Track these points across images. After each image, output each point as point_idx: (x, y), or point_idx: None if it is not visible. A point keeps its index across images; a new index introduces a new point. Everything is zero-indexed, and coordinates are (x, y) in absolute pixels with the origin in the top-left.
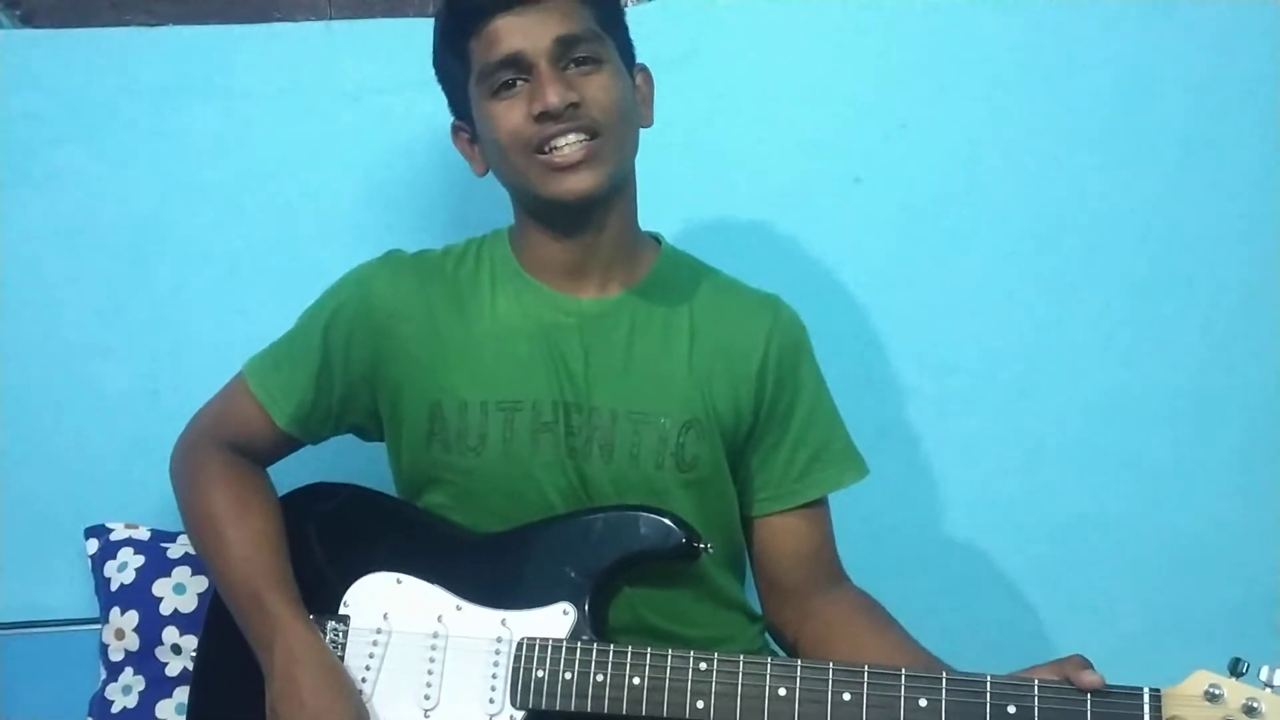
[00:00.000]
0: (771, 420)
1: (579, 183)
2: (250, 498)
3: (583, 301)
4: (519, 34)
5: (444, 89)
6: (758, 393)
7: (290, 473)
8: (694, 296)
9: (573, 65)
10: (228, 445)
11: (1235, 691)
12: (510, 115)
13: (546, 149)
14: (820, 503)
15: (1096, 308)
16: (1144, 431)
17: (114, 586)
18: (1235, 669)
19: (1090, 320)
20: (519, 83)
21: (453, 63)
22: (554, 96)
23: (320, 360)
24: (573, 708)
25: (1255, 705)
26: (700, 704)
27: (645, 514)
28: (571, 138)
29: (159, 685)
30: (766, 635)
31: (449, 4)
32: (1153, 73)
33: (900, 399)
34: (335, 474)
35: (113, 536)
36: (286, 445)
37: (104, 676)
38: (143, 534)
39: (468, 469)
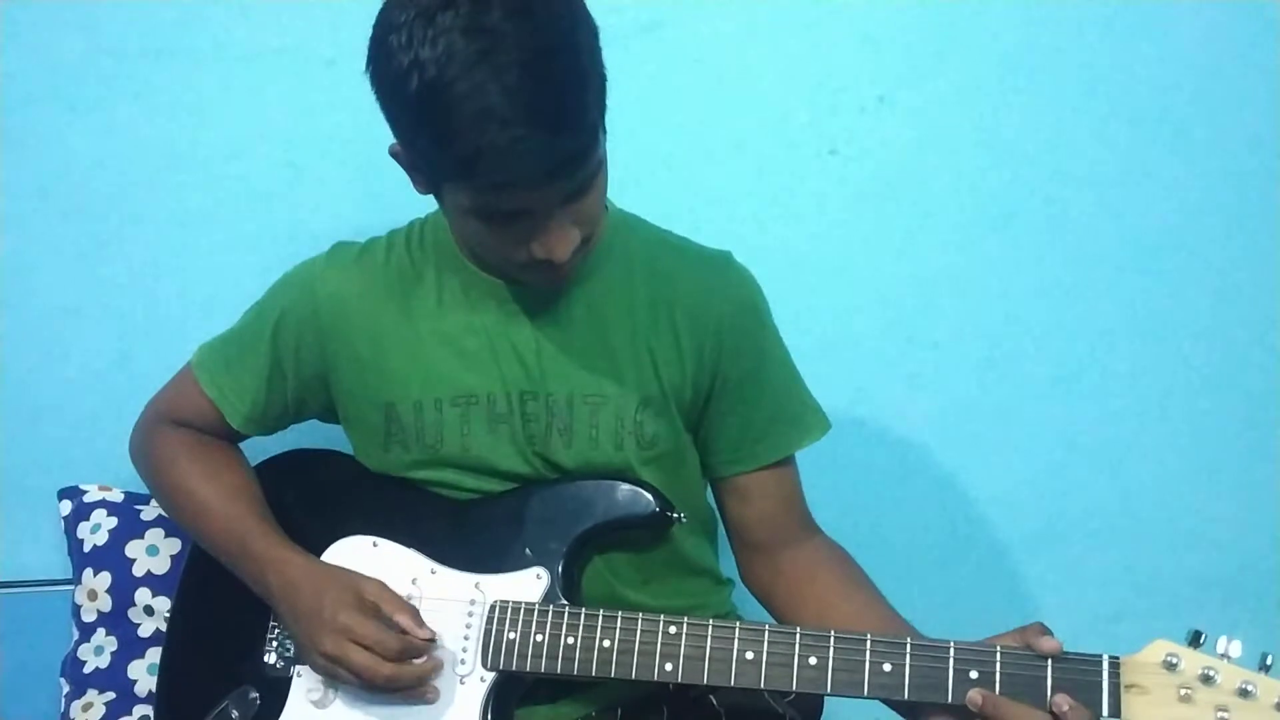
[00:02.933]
0: (727, 384)
1: (561, 277)
2: (216, 459)
3: (530, 289)
4: (536, 196)
5: (397, 135)
6: (712, 358)
7: (267, 440)
8: (643, 265)
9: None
10: (185, 427)
11: (1192, 661)
12: (504, 240)
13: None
14: (785, 459)
15: (1071, 282)
16: (1116, 404)
17: (87, 548)
18: (1194, 640)
19: (1065, 294)
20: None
21: (428, 157)
22: (563, 253)
23: (270, 364)
24: (543, 669)
25: (1212, 674)
26: (669, 666)
27: (619, 483)
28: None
29: (131, 646)
30: (734, 600)
31: (457, 139)
32: (1141, 57)
33: (873, 370)
34: (313, 441)
35: (86, 498)
36: (243, 436)
37: (76, 637)
38: (116, 496)
39: (429, 467)
